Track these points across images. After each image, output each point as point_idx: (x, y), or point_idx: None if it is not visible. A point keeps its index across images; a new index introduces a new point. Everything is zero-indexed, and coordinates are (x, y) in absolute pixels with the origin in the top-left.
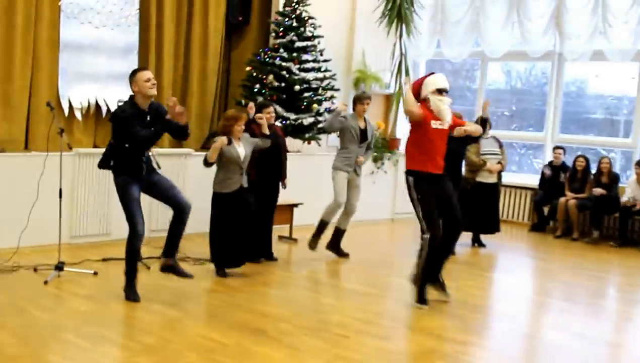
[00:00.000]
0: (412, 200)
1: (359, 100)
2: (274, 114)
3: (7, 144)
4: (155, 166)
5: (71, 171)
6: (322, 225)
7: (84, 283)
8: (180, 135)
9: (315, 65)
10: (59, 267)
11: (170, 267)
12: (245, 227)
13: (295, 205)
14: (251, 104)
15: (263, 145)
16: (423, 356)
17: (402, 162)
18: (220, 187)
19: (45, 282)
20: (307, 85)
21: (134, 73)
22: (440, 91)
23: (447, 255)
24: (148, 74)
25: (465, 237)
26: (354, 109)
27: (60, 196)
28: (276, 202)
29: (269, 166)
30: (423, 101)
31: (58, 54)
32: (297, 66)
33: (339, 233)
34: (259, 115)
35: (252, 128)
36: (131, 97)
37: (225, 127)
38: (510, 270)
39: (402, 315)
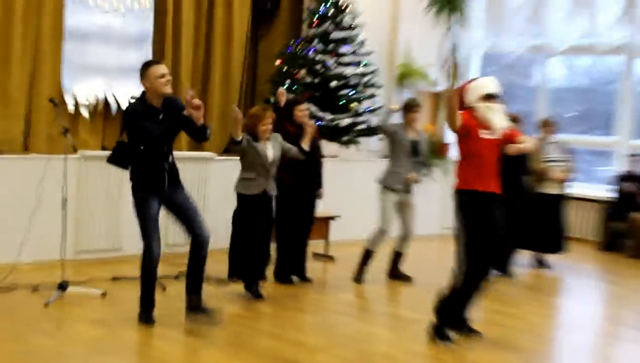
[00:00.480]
0: (457, 224)
1: (410, 108)
2: (307, 113)
3: (5, 144)
4: None
5: (76, 176)
6: (367, 255)
7: (91, 306)
8: (198, 135)
9: (354, 58)
10: (62, 286)
11: (198, 308)
12: (263, 237)
13: (332, 217)
14: (282, 90)
15: (295, 156)
16: None
17: (452, 170)
18: (241, 188)
19: (47, 304)
20: (345, 82)
21: (145, 66)
22: (489, 97)
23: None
24: (162, 69)
25: (527, 257)
26: (403, 118)
27: (64, 205)
28: (313, 213)
29: (305, 172)
30: (468, 109)
31: (62, 43)
32: (334, 60)
33: (397, 256)
34: (308, 121)
35: (285, 126)
36: (143, 94)
37: (248, 126)
38: (578, 295)
39: (463, 350)
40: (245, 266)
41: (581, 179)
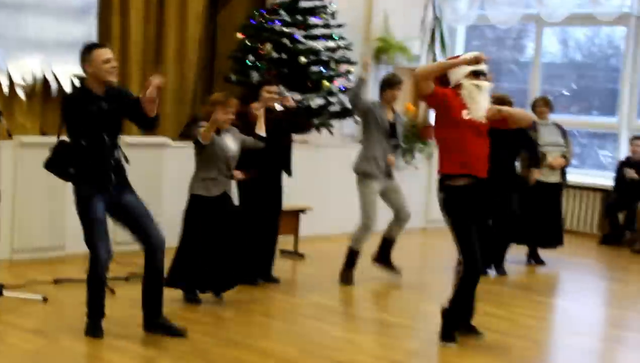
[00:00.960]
0: (445, 218)
1: (390, 84)
2: (276, 95)
3: None
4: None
5: (12, 166)
6: (352, 255)
7: (30, 313)
8: (145, 124)
9: (326, 31)
10: None
11: (156, 324)
12: (229, 243)
13: (302, 210)
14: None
15: (253, 146)
16: None
17: (437, 155)
18: (199, 189)
19: None
20: (316, 57)
21: (88, 50)
22: (477, 74)
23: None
24: (107, 53)
25: (520, 252)
26: (381, 96)
27: None
28: (281, 207)
29: (269, 162)
30: (453, 88)
31: None
32: (303, 33)
33: (387, 243)
34: (255, 104)
35: (249, 111)
36: (82, 80)
37: (209, 113)
38: (577, 294)
39: (442, 354)
40: (195, 273)
41: (579, 165)
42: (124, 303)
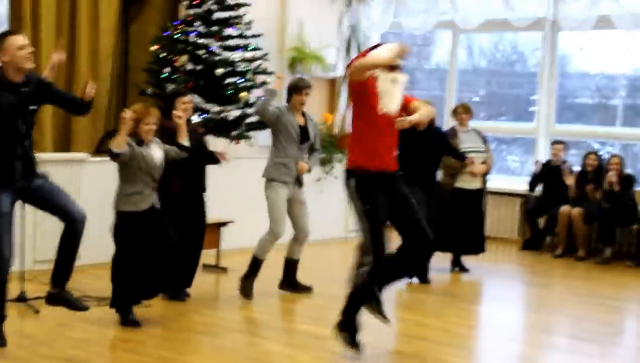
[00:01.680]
0: (355, 209)
1: (297, 89)
2: (191, 105)
3: None
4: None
5: None
6: (255, 264)
7: None
8: (78, 108)
9: (242, 41)
10: None
11: (58, 296)
12: (161, 258)
13: (224, 223)
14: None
15: (176, 156)
16: None
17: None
18: (126, 204)
19: None
20: (232, 68)
21: (1, 38)
22: (393, 67)
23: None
24: (21, 40)
25: (443, 260)
26: (288, 101)
27: None
28: (205, 219)
29: (193, 174)
30: (369, 79)
31: None
32: (218, 43)
33: (292, 265)
34: (176, 112)
35: (164, 124)
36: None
37: (129, 128)
38: (503, 301)
39: None
40: (130, 290)
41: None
42: (50, 323)
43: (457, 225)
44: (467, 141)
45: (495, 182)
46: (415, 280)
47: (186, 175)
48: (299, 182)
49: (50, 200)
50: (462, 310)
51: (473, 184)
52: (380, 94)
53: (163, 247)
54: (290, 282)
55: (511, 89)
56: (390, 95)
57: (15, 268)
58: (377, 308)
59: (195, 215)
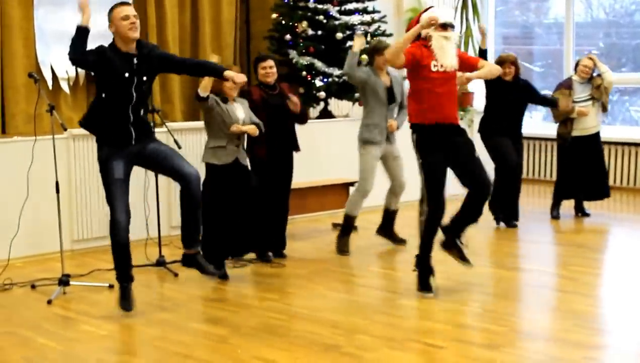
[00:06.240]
0: (417, 161)
1: (377, 50)
2: (274, 70)
3: None
4: (174, 145)
5: (66, 158)
6: (348, 222)
7: (98, 300)
8: (210, 72)
9: (360, 5)
10: (64, 281)
11: (192, 259)
12: (244, 209)
13: (351, 183)
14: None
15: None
16: None
17: (477, 121)
18: (211, 157)
19: (49, 302)
20: (352, 32)
21: (110, 10)
22: (445, 26)
23: (474, 220)
24: (127, 10)
25: (568, 208)
26: (371, 63)
27: (58, 191)
28: (290, 182)
29: (277, 138)
30: (422, 40)
31: (32, 11)
32: (337, 8)
33: (389, 214)
34: (293, 97)
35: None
36: (112, 40)
37: (213, 86)
38: (627, 249)
39: (507, 315)
40: (218, 245)
41: (611, 121)
42: (188, 285)
43: (579, 171)
44: (582, 92)
45: (618, 132)
46: (502, 224)
47: (269, 139)
48: (389, 139)
49: (164, 163)
50: (587, 259)
51: (590, 129)
52: (435, 51)
53: (246, 201)
54: (387, 231)
55: (631, 39)
56: (444, 52)
57: (152, 234)
58: (457, 254)
59: (281, 178)
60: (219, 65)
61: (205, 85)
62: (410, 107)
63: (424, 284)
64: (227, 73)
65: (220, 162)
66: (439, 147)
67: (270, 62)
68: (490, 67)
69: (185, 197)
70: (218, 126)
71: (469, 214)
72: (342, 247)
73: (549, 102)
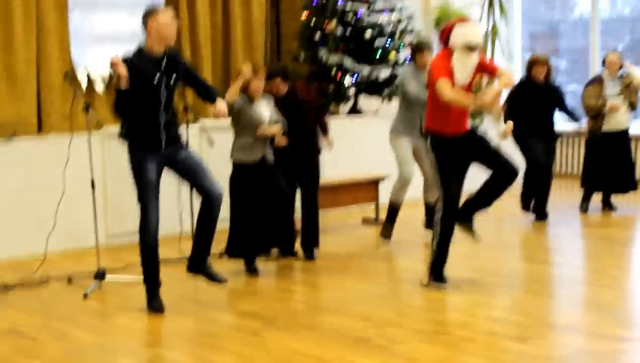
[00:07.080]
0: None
1: (419, 50)
2: (282, 86)
3: (17, 126)
4: (207, 143)
5: (100, 155)
6: (393, 208)
7: (133, 294)
8: (205, 95)
9: (388, 4)
10: (100, 275)
11: (201, 269)
12: (271, 210)
13: (381, 179)
14: None
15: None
16: (574, 359)
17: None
18: (238, 155)
19: (85, 296)
20: (380, 31)
21: (153, 12)
22: (470, 48)
23: (488, 203)
24: (171, 13)
25: (595, 201)
26: (413, 60)
27: (93, 187)
28: (317, 181)
29: (298, 137)
30: (449, 50)
31: (67, 13)
32: (365, 7)
33: (429, 208)
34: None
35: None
36: (145, 42)
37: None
38: None
39: (536, 308)
40: (246, 240)
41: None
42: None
43: (606, 165)
44: (613, 87)
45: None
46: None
47: (292, 137)
48: (423, 134)
49: (193, 176)
50: (615, 252)
51: (620, 124)
52: (454, 63)
53: (272, 198)
54: (430, 224)
55: None
56: (462, 69)
57: (185, 229)
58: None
59: (307, 177)
60: (216, 94)
61: (231, 93)
62: (427, 115)
63: (439, 275)
64: (216, 105)
65: (248, 159)
66: (455, 154)
67: (278, 80)
68: (505, 79)
69: (205, 215)
70: (245, 125)
71: (488, 194)
72: (385, 232)
73: (572, 117)
